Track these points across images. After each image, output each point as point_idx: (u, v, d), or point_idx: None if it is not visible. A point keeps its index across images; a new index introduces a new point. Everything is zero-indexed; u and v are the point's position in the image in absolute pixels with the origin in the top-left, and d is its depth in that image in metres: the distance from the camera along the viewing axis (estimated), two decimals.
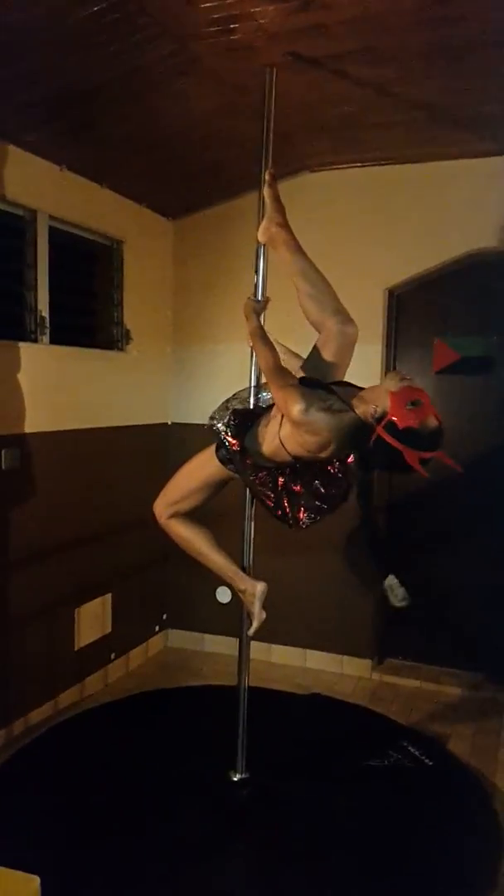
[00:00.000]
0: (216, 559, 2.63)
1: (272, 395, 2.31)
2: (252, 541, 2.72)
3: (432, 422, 2.05)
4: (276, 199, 2.47)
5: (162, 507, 2.66)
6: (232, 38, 2.30)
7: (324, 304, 2.41)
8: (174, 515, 2.64)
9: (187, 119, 2.96)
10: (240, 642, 2.73)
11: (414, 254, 3.65)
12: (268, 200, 2.47)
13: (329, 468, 2.37)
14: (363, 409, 2.14)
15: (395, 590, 3.50)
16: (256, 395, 2.59)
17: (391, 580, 3.46)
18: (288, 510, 2.39)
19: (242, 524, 2.72)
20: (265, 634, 3.36)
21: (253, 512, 2.71)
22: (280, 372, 2.28)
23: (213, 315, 4.07)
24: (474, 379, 3.73)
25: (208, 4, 2.11)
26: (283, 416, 2.25)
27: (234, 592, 2.70)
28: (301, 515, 2.39)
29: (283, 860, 2.36)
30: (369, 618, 3.88)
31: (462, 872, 2.34)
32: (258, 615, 2.61)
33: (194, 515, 2.66)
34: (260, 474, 2.38)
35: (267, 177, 2.47)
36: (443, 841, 2.47)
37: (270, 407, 2.43)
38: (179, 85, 2.64)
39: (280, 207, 2.47)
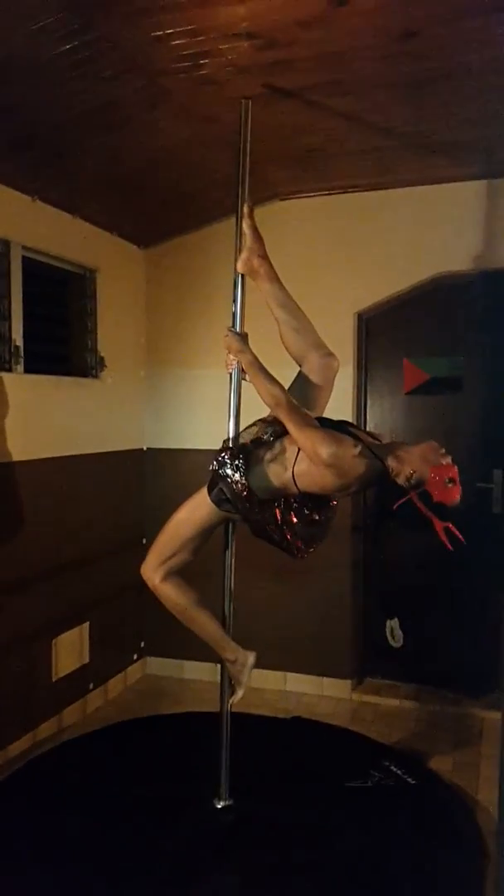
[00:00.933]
0: (209, 627, 2.59)
1: (290, 432, 2.29)
2: (232, 589, 2.68)
3: (458, 499, 2.21)
4: (255, 230, 2.51)
5: (152, 569, 2.53)
6: (201, 72, 2.36)
7: (304, 336, 2.47)
8: (167, 576, 2.52)
9: (158, 150, 3.02)
10: (221, 668, 2.72)
11: (382, 278, 3.74)
12: (247, 232, 2.50)
13: (317, 498, 2.40)
14: (397, 468, 2.22)
15: (395, 632, 3.64)
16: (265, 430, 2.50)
17: (394, 623, 3.62)
18: (290, 540, 2.41)
19: (222, 570, 2.67)
20: None
21: (233, 562, 2.66)
22: (296, 409, 2.29)
23: (186, 341, 4.10)
24: (444, 398, 3.81)
25: (178, 42, 2.17)
26: (298, 452, 2.28)
27: (222, 661, 2.66)
28: (299, 544, 2.43)
29: (270, 886, 2.34)
30: (348, 639, 3.89)
31: (448, 889, 2.34)
32: (245, 684, 2.60)
33: (184, 574, 2.56)
34: (265, 513, 2.36)
35: (245, 209, 2.51)
36: (428, 859, 2.47)
37: (269, 438, 2.42)
38: (150, 117, 2.70)
39: (259, 239, 2.51)
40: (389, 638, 3.69)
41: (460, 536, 2.21)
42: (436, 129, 2.93)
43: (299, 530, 2.40)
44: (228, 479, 2.36)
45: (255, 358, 2.40)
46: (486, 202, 3.54)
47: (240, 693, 2.62)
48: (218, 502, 2.41)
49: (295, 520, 2.40)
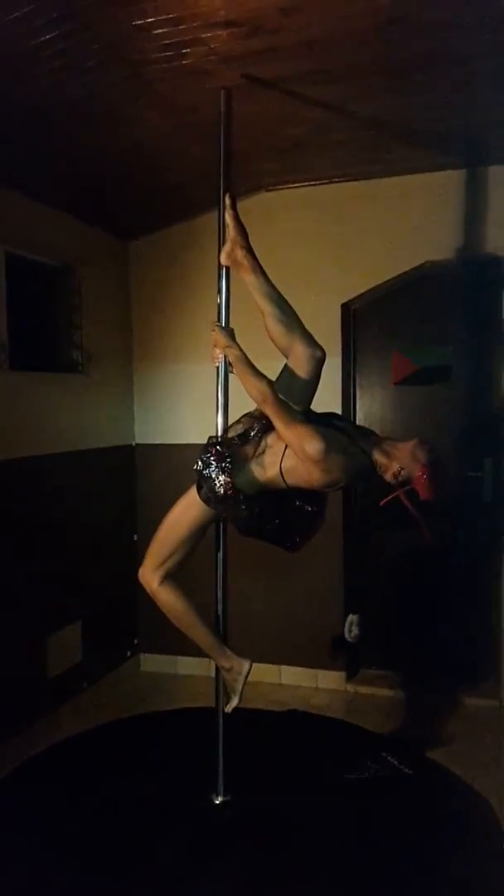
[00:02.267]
0: (205, 636, 2.58)
1: (277, 429, 2.28)
2: (224, 589, 2.68)
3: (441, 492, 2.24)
4: (238, 222, 2.48)
5: (150, 572, 2.51)
6: (184, 62, 2.32)
7: (290, 327, 2.44)
8: (165, 579, 2.50)
9: (141, 142, 2.98)
10: (215, 664, 2.71)
11: (369, 268, 3.72)
12: (230, 223, 2.47)
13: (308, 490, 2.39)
14: (384, 464, 2.25)
15: (352, 627, 3.65)
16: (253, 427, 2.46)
17: (353, 618, 3.64)
18: (284, 533, 2.41)
19: (215, 566, 2.67)
20: (239, 651, 3.36)
21: (224, 559, 2.66)
22: (283, 405, 2.27)
23: (173, 334, 4.07)
24: (432, 388, 3.80)
25: (160, 31, 2.14)
26: (286, 448, 2.27)
27: (218, 671, 2.65)
28: (294, 536, 2.43)
29: (270, 881, 2.34)
30: (341, 630, 3.89)
31: (450, 878, 2.35)
32: (239, 692, 2.59)
33: (183, 579, 2.55)
34: (253, 509, 2.34)
35: (227, 201, 2.48)
36: (428, 848, 2.48)
37: (256, 434, 2.40)
38: (132, 109, 2.66)
39: (242, 230, 2.48)
40: (346, 632, 3.72)
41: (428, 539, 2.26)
42: (420, 117, 2.91)
43: (295, 523, 2.40)
44: (212, 480, 2.33)
45: (243, 353, 2.38)
46: (472, 190, 3.53)
47: (235, 701, 2.61)
48: (207, 500, 2.39)
49: (288, 512, 2.39)
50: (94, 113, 2.65)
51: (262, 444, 2.37)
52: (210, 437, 2.51)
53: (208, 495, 2.37)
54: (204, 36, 2.17)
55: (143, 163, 3.19)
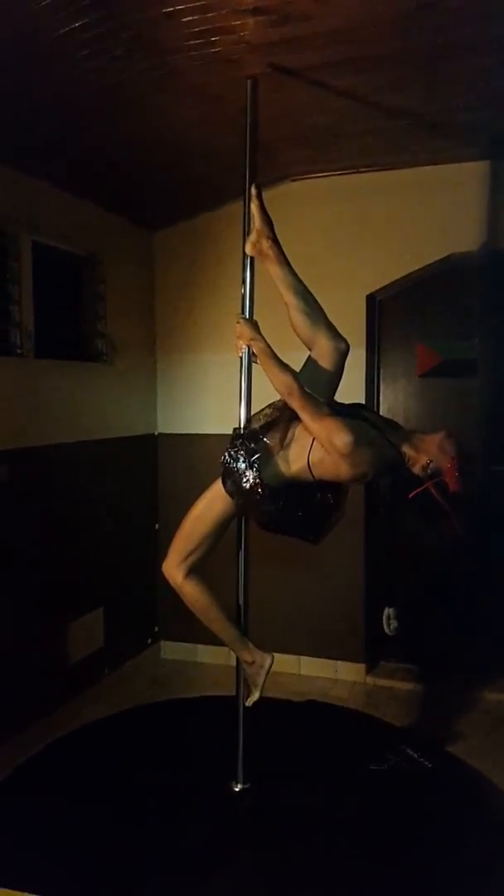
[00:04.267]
0: (228, 629, 2.58)
1: (304, 421, 2.26)
2: (246, 580, 2.68)
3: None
4: (264, 212, 2.46)
5: (175, 566, 2.49)
6: (213, 50, 2.31)
7: (314, 319, 2.43)
8: (189, 573, 2.49)
9: (168, 131, 2.98)
10: (237, 658, 2.72)
11: (394, 259, 3.69)
12: (255, 213, 2.46)
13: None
14: (413, 456, 2.24)
15: (390, 620, 3.64)
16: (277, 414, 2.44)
17: (389, 611, 3.61)
18: (308, 525, 2.41)
19: (237, 559, 2.68)
20: (259, 642, 3.37)
21: (246, 553, 2.65)
22: (309, 397, 2.26)
23: (198, 324, 4.07)
24: (457, 381, 3.77)
25: (189, 18, 2.13)
26: (312, 441, 2.25)
27: (239, 662, 2.66)
28: (317, 528, 2.43)
29: (289, 870, 2.35)
30: (361, 622, 3.89)
31: (468, 873, 2.34)
32: (261, 686, 2.60)
33: (205, 572, 2.55)
34: (277, 502, 2.34)
35: (253, 190, 2.47)
36: (447, 842, 2.47)
37: (281, 425, 2.38)
38: (160, 98, 2.65)
39: (268, 220, 2.46)
40: (385, 625, 3.71)
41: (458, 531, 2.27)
42: (448, 107, 2.87)
43: (315, 515, 2.39)
44: (240, 475, 2.33)
45: (268, 345, 2.36)
46: (499, 182, 3.47)
47: (256, 695, 2.62)
48: (231, 494, 2.39)
49: (310, 505, 2.38)
50: (121, 101, 2.65)
51: (289, 435, 2.35)
52: (235, 429, 2.50)
53: (233, 489, 2.37)
54: (233, 24, 2.15)
55: (170, 152, 3.19)
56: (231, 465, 2.35)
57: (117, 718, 3.40)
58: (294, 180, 3.77)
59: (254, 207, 2.46)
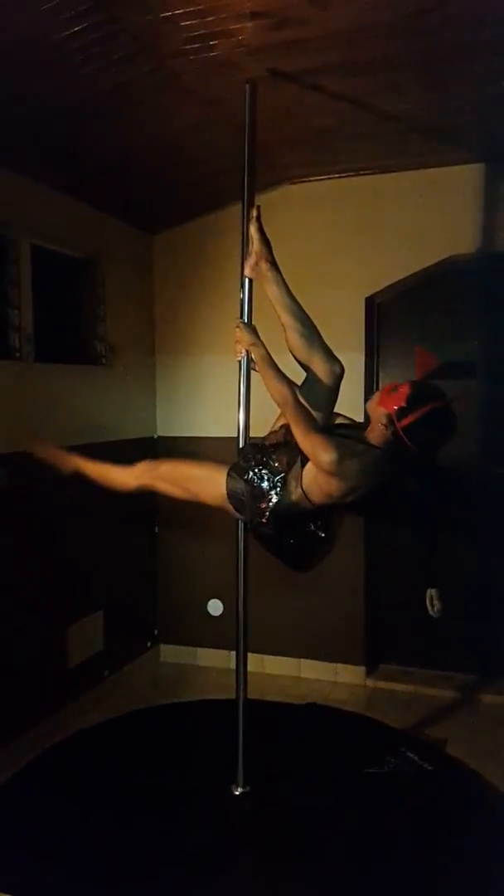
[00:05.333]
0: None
1: (294, 434, 2.28)
2: (246, 583, 2.69)
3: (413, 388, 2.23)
4: (263, 234, 2.48)
5: (145, 474, 2.62)
6: (211, 54, 2.32)
7: (311, 341, 2.46)
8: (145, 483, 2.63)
9: (166, 135, 2.98)
10: (237, 655, 2.72)
11: (393, 262, 3.70)
12: (254, 236, 2.47)
13: (325, 518, 2.43)
14: (378, 433, 2.24)
15: (434, 602, 3.57)
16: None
17: (434, 592, 3.55)
18: (296, 555, 2.47)
19: (235, 562, 2.69)
20: (260, 645, 3.37)
21: (242, 552, 2.67)
22: (303, 411, 2.28)
23: (197, 327, 4.08)
24: (457, 383, 3.77)
25: (187, 22, 2.13)
26: (303, 468, 2.30)
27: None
28: (306, 560, 2.50)
29: (289, 873, 2.35)
30: (361, 625, 3.88)
31: (468, 876, 2.34)
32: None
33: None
34: (278, 528, 2.37)
35: (253, 212, 2.48)
36: (447, 845, 2.47)
37: (289, 447, 2.40)
38: (158, 101, 2.66)
39: (266, 243, 2.48)
40: (430, 607, 3.64)
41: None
42: (447, 109, 2.88)
43: (306, 545, 2.44)
44: (263, 494, 2.35)
45: (267, 352, 2.38)
46: (498, 184, 3.48)
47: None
48: (240, 509, 2.42)
49: (302, 534, 2.43)
50: (120, 105, 2.65)
51: (296, 460, 2.37)
52: (253, 444, 2.52)
53: (237, 500, 2.39)
54: (231, 28, 2.16)
55: (169, 155, 3.19)
56: (256, 483, 2.37)
57: (117, 722, 3.39)
58: (293, 183, 3.78)
59: (253, 230, 2.48)
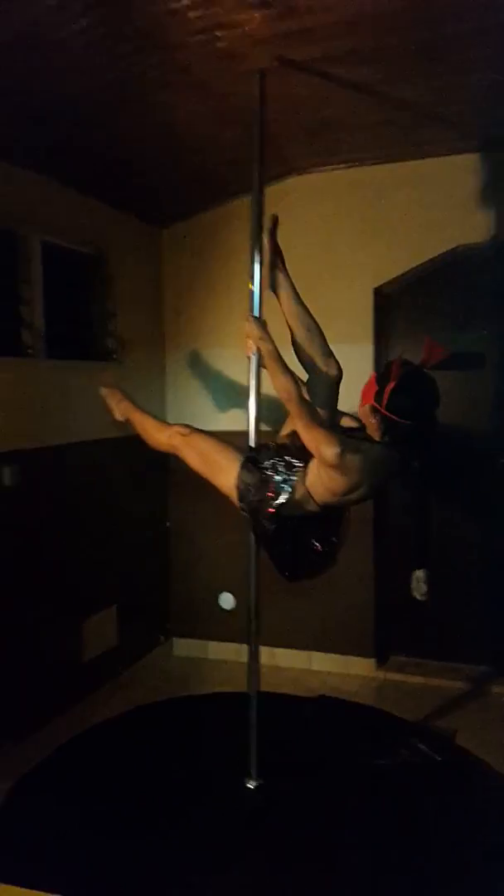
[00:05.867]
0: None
1: (297, 429, 2.30)
2: (257, 576, 2.69)
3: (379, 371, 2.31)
4: (275, 244, 2.52)
5: (177, 436, 2.61)
6: (218, 45, 2.31)
7: (315, 347, 2.48)
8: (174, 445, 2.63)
9: (174, 127, 2.98)
10: (249, 648, 2.73)
11: (401, 252, 3.68)
12: (267, 246, 2.51)
13: (326, 528, 2.43)
14: (372, 428, 2.26)
15: (419, 583, 3.49)
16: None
17: (421, 574, 3.48)
18: (289, 564, 2.46)
19: (247, 555, 2.69)
20: (270, 637, 3.37)
21: (253, 546, 2.65)
22: (306, 406, 2.30)
23: (207, 321, 4.07)
24: (466, 374, 3.76)
25: (194, 14, 2.13)
26: (307, 466, 2.31)
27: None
28: (298, 571, 2.48)
29: (303, 865, 2.36)
30: (371, 616, 3.88)
31: (480, 867, 2.34)
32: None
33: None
34: (276, 526, 2.38)
35: (269, 223, 2.51)
36: (459, 836, 2.47)
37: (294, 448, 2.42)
38: (165, 94, 2.66)
39: (279, 252, 2.52)
40: (415, 588, 3.62)
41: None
42: (454, 98, 2.86)
43: (302, 556, 2.45)
44: (275, 487, 2.36)
45: (275, 348, 2.38)
46: None
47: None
48: (239, 488, 2.42)
49: (300, 545, 2.44)
50: (128, 99, 2.65)
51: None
52: (271, 443, 2.54)
53: (245, 493, 2.40)
54: (237, 18, 2.16)
55: (177, 148, 3.19)
56: (270, 475, 2.38)
57: (131, 715, 3.41)
58: (300, 174, 3.77)
59: (267, 240, 2.51)
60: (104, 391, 2.88)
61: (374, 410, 2.23)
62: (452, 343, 3.73)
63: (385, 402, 2.21)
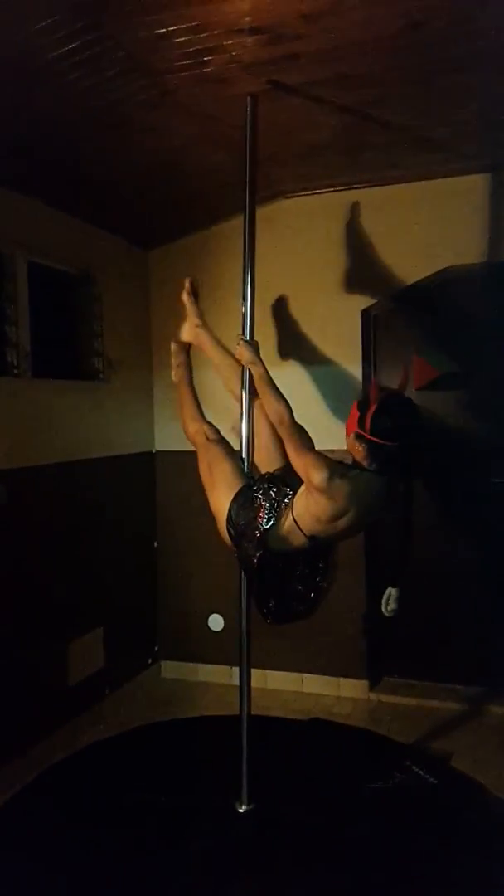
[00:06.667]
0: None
1: (288, 453, 2.33)
2: (248, 598, 2.67)
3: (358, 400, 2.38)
4: (193, 303, 2.79)
5: (200, 435, 2.71)
6: (205, 70, 2.33)
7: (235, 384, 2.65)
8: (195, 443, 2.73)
9: (161, 151, 2.99)
10: (240, 670, 2.70)
11: (389, 274, 3.70)
12: (187, 305, 2.79)
13: (312, 575, 2.46)
14: (360, 455, 2.30)
15: (390, 601, 3.49)
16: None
17: (392, 591, 3.48)
18: (270, 603, 2.47)
19: (239, 579, 2.67)
20: (262, 660, 3.33)
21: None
22: (298, 430, 2.33)
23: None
24: (455, 394, 3.77)
25: (182, 39, 2.15)
26: (294, 495, 2.33)
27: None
28: (277, 613, 2.50)
29: (295, 890, 2.31)
30: (363, 638, 3.86)
31: (476, 888, 2.31)
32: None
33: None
34: (259, 554, 2.38)
35: (186, 284, 2.79)
36: (454, 859, 2.44)
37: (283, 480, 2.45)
38: (153, 118, 2.67)
39: (198, 310, 2.79)
40: (384, 605, 3.61)
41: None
42: (442, 121, 2.90)
43: (286, 598, 2.47)
44: (265, 512, 2.37)
45: (266, 371, 2.41)
46: (494, 195, 3.50)
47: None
48: (233, 522, 2.44)
49: (284, 587, 2.45)
50: (116, 122, 2.67)
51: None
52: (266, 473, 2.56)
53: (241, 520, 2.40)
54: (226, 43, 2.17)
55: (165, 171, 3.20)
56: (257, 498, 2.40)
57: (118, 739, 3.36)
58: (287, 198, 3.80)
59: (185, 299, 2.79)
60: (175, 346, 2.91)
61: (359, 437, 2.27)
62: (441, 364, 3.77)
63: (368, 426, 2.24)
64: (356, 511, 2.28)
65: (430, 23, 2.10)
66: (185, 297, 2.78)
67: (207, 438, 2.63)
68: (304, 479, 2.26)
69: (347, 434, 2.33)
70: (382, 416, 2.25)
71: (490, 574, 3.73)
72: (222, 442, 2.63)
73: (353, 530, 2.37)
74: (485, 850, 2.51)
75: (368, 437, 2.24)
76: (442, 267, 3.62)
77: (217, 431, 2.67)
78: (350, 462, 2.38)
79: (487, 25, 2.14)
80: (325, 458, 2.26)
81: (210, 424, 2.70)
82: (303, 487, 2.30)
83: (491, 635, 3.72)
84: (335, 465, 2.25)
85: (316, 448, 2.35)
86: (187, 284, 2.79)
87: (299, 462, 2.26)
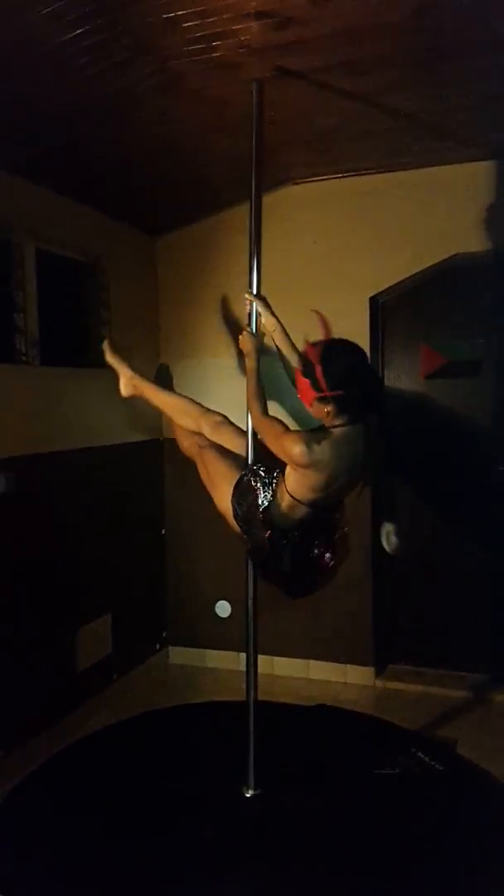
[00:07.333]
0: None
1: (267, 443, 2.38)
2: (255, 584, 2.70)
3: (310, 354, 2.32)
4: (119, 360, 2.89)
5: (193, 447, 2.77)
6: (214, 55, 2.31)
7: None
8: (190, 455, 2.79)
9: (169, 137, 2.98)
10: (247, 657, 2.71)
11: (397, 261, 3.68)
12: (114, 364, 2.90)
13: (326, 533, 2.49)
14: (325, 415, 2.31)
15: (390, 537, 3.46)
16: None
17: (389, 527, 3.45)
18: (292, 579, 2.51)
19: (245, 565, 2.70)
20: (268, 646, 3.35)
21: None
22: (270, 418, 2.40)
23: (201, 329, 4.07)
24: (463, 382, 3.76)
25: (190, 24, 2.13)
26: (284, 471, 2.36)
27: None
28: (303, 586, 2.55)
29: (301, 875, 2.34)
30: (370, 625, 3.87)
31: (481, 878, 2.33)
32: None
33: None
34: (268, 533, 2.42)
35: (105, 345, 2.90)
36: (461, 846, 2.46)
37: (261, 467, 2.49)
38: (161, 103, 2.66)
39: (126, 364, 2.90)
40: (385, 542, 3.60)
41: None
42: (451, 107, 2.87)
43: (306, 569, 2.49)
44: (256, 493, 2.41)
45: (258, 367, 2.47)
46: (503, 181, 3.47)
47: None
48: (236, 514, 2.49)
49: (303, 559, 2.48)
50: (123, 108, 2.66)
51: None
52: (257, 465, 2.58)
53: (242, 508, 2.44)
54: (234, 28, 2.16)
55: (173, 157, 3.19)
56: (250, 481, 2.46)
57: (126, 724, 3.39)
58: (295, 184, 3.77)
59: (111, 360, 2.88)
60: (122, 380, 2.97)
61: (322, 399, 2.27)
62: (449, 351, 3.76)
63: (324, 384, 2.24)
64: (346, 468, 2.31)
65: (438, 7, 2.08)
66: (108, 359, 2.89)
67: (200, 447, 2.69)
68: (287, 460, 2.30)
69: (309, 405, 2.33)
70: (330, 366, 2.24)
71: (497, 561, 3.73)
72: (214, 445, 2.69)
73: (352, 485, 2.40)
74: (490, 836, 2.53)
75: (330, 393, 2.24)
76: (450, 254, 3.59)
77: (223, 420, 2.73)
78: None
79: (496, 10, 2.11)
80: (297, 433, 2.30)
81: (211, 414, 2.77)
82: (289, 468, 2.34)
83: (497, 623, 3.73)
84: (310, 436, 2.28)
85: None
86: (106, 344, 2.91)
87: (277, 447, 2.31)
